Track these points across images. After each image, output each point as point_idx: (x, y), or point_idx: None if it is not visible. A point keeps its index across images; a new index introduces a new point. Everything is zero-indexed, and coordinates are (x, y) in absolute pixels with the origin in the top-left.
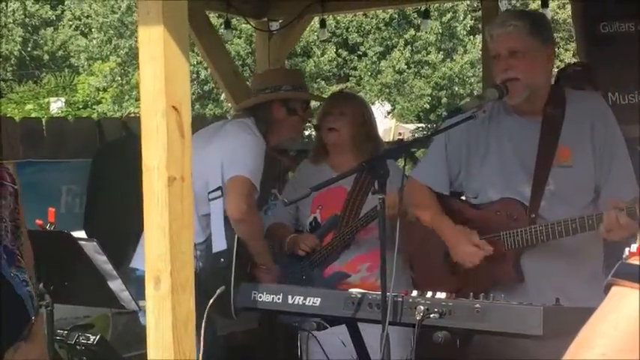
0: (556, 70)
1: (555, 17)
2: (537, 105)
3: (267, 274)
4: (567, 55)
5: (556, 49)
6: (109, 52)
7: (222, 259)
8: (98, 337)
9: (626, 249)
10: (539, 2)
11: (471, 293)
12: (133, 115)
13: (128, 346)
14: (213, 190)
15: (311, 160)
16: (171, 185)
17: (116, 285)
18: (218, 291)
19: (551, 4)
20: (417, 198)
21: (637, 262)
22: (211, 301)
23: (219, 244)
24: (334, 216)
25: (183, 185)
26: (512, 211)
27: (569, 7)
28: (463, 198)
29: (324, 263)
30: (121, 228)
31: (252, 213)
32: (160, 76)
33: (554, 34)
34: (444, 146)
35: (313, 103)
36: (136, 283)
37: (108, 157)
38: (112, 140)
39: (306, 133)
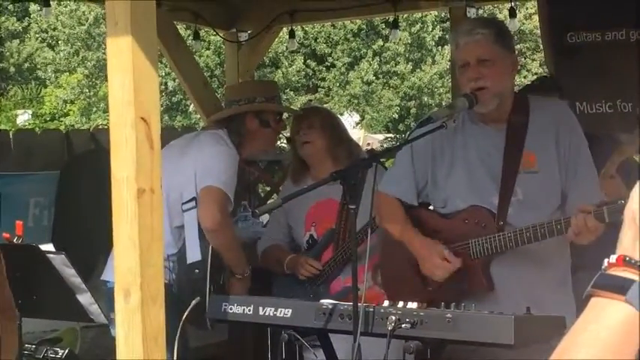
0: (523, 79)
1: (522, 28)
2: (502, 113)
3: (242, 282)
4: (534, 65)
5: (523, 59)
6: (76, 64)
7: (197, 270)
8: (67, 351)
9: (605, 260)
10: (507, 12)
11: (442, 303)
12: (101, 127)
13: (96, 359)
14: (187, 201)
15: (292, 179)
16: (141, 197)
17: (85, 298)
18: (193, 302)
19: (518, 15)
20: (386, 211)
21: (616, 273)
22: (187, 312)
23: (193, 254)
24: (330, 230)
25: (152, 197)
26: (480, 219)
27: (535, 17)
28: (431, 208)
29: (328, 280)
30: (90, 241)
31: (225, 223)
32: (129, 88)
33: (521, 45)
34: (410, 158)
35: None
36: (107, 296)
37: (76, 170)
38: (80, 153)
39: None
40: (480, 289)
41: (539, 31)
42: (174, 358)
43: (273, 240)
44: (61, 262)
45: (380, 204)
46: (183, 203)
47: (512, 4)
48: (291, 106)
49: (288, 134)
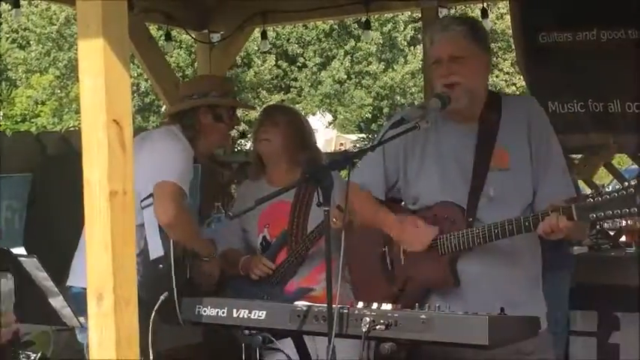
0: (495, 78)
1: (494, 27)
2: (475, 111)
3: (210, 264)
4: (506, 64)
5: (495, 59)
6: (47, 65)
7: (160, 266)
8: (39, 354)
9: None
10: (479, 12)
11: (417, 304)
12: (73, 128)
13: None
14: (145, 198)
15: (250, 177)
16: (113, 199)
17: (57, 302)
18: (162, 297)
19: (490, 15)
20: (357, 201)
21: None
22: (155, 307)
23: (155, 250)
24: (284, 232)
25: (125, 199)
26: (450, 215)
27: (507, 17)
28: (402, 204)
29: (282, 281)
30: (63, 243)
31: (181, 216)
32: (101, 90)
33: (493, 45)
34: (382, 154)
35: (242, 111)
36: (72, 301)
37: (48, 172)
38: (53, 155)
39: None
40: (446, 285)
41: (511, 31)
42: (151, 357)
43: (227, 243)
44: (32, 265)
45: (351, 195)
46: (141, 200)
47: (484, 4)
48: (251, 104)
49: (242, 128)
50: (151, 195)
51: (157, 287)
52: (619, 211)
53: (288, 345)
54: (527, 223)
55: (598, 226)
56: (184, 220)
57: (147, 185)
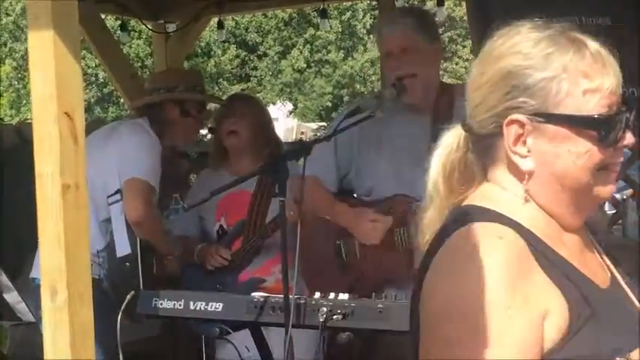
0: (455, 65)
1: (452, 15)
2: (429, 101)
3: (172, 263)
4: (465, 51)
5: (454, 46)
6: (4, 56)
7: (127, 263)
8: None
9: None
10: (435, 0)
11: (373, 293)
12: (29, 120)
13: (26, 359)
14: (112, 194)
15: (211, 166)
16: (66, 193)
17: (12, 297)
18: (128, 296)
19: (447, 2)
20: (313, 193)
21: None
22: (123, 306)
23: (122, 248)
24: (241, 221)
25: (77, 193)
26: (406, 210)
27: (465, 4)
28: (355, 196)
29: (236, 270)
30: (19, 237)
31: (151, 214)
32: (51, 82)
33: (452, 32)
34: (333, 145)
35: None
36: (36, 293)
37: (2, 165)
38: (7, 147)
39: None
40: (404, 278)
41: None
42: (120, 352)
43: (182, 230)
44: None
45: (307, 186)
46: (108, 196)
47: None
48: (224, 96)
49: (212, 125)
50: (118, 191)
51: (122, 284)
52: None
53: (246, 337)
54: None
55: None
56: (153, 219)
57: (114, 180)
